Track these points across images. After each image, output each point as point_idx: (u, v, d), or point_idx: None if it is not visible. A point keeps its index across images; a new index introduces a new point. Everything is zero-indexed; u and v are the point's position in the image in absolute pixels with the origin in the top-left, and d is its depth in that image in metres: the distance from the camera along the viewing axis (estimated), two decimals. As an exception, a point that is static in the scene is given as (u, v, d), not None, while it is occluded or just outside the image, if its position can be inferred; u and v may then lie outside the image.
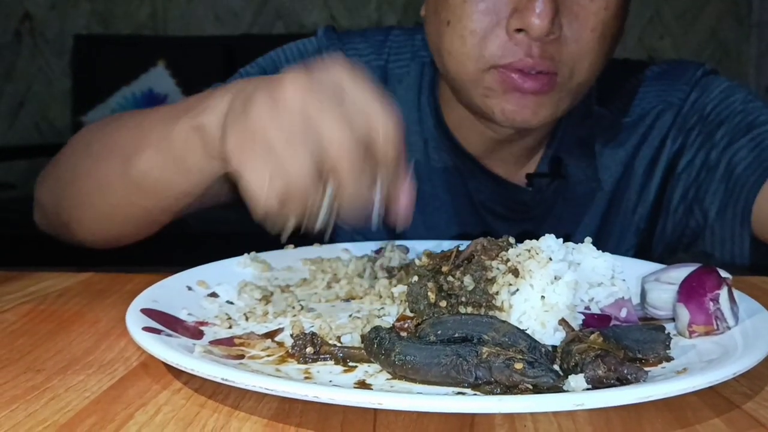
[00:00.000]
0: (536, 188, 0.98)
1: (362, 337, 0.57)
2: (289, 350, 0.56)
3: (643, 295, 0.66)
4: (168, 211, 0.80)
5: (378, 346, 0.52)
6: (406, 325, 0.57)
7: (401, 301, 0.67)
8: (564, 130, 0.97)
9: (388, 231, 0.94)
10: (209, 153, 0.66)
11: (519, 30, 0.79)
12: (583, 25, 0.82)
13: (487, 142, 0.94)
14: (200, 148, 0.67)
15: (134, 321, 0.56)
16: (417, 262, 0.70)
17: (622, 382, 0.48)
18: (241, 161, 0.56)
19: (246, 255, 0.80)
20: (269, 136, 0.55)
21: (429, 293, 0.61)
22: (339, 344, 0.57)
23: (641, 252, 1.00)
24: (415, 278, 0.64)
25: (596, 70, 0.86)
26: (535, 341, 0.53)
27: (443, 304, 0.60)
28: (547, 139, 0.97)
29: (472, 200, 0.99)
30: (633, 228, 1.00)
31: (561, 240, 0.61)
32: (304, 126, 0.55)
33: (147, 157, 0.73)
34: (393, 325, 0.57)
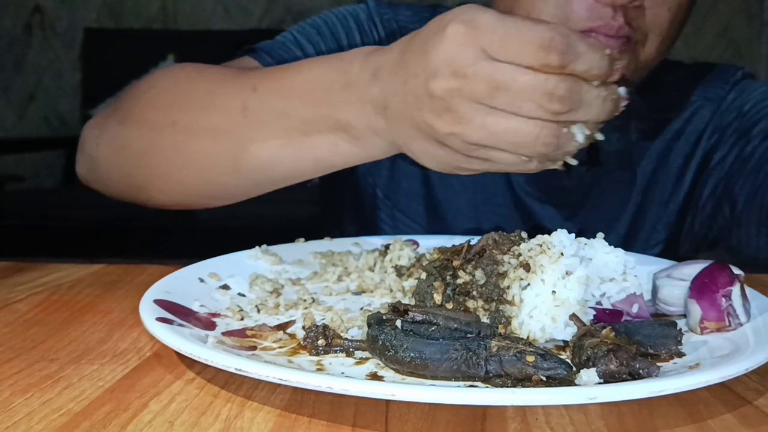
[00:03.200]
0: (573, 174, 0.98)
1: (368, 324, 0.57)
2: (301, 342, 0.56)
3: (654, 291, 0.66)
4: (271, 190, 0.78)
5: (383, 344, 0.52)
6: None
7: (412, 294, 0.67)
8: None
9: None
10: (367, 149, 0.67)
11: None
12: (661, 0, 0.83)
13: None
14: (353, 148, 0.68)
15: (148, 311, 0.57)
16: (427, 256, 0.71)
17: (634, 376, 0.48)
18: (468, 165, 0.61)
19: (257, 248, 0.81)
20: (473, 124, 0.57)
21: (435, 294, 0.61)
22: (350, 337, 0.58)
23: (670, 247, 1.00)
24: (424, 275, 0.64)
25: (661, 52, 0.87)
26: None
27: (449, 306, 0.60)
28: None
29: (510, 182, 1.00)
30: (664, 221, 1.01)
31: (573, 235, 0.61)
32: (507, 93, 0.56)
33: (272, 151, 0.71)
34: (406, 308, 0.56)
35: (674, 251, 1.00)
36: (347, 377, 0.50)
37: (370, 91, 0.64)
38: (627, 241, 0.98)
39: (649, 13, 0.83)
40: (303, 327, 0.60)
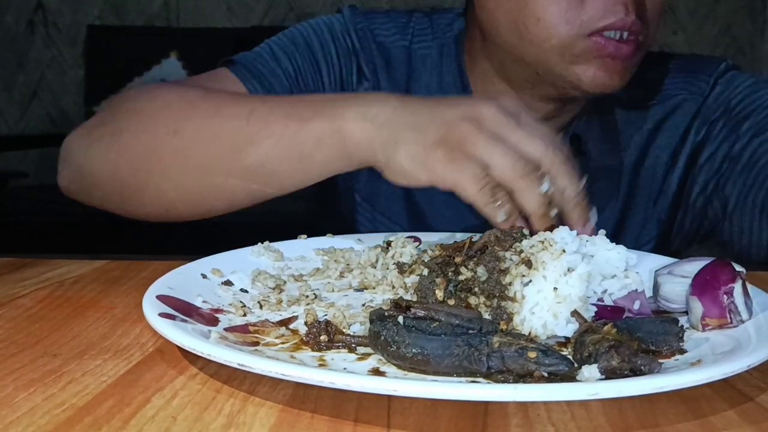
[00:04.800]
0: None
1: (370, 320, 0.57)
2: (304, 338, 0.56)
3: (656, 287, 0.66)
4: (271, 195, 0.82)
5: (385, 339, 0.52)
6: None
7: (414, 291, 0.67)
8: (584, 109, 0.98)
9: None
10: (345, 156, 0.74)
11: None
12: None
13: None
14: (336, 150, 0.74)
15: (151, 307, 0.57)
16: (429, 253, 0.71)
17: (635, 372, 0.48)
18: (450, 171, 0.68)
19: (260, 244, 0.81)
20: (482, 147, 0.67)
21: (437, 291, 0.61)
22: (353, 333, 0.58)
23: (661, 243, 1.00)
24: (426, 272, 0.64)
25: (653, 41, 0.89)
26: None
27: (451, 302, 0.60)
28: (569, 120, 0.99)
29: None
30: (654, 218, 1.01)
31: (575, 232, 0.61)
32: (508, 137, 0.67)
33: (265, 150, 0.77)
34: (408, 304, 0.56)
35: (666, 247, 1.00)
36: (349, 373, 0.50)
37: (372, 111, 0.73)
38: (615, 237, 0.98)
39: (652, 8, 0.85)
40: (305, 323, 0.60)
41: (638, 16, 0.83)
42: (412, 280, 0.71)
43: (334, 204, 1.10)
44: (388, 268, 0.76)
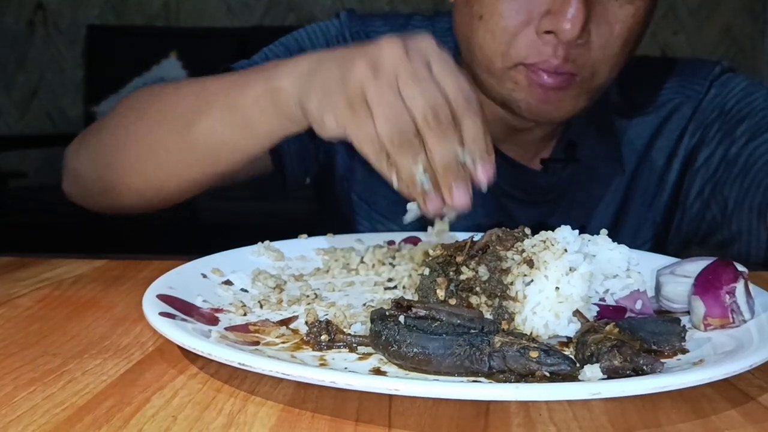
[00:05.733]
0: (551, 172, 0.98)
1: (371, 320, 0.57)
2: (304, 337, 0.56)
3: (657, 287, 0.66)
4: (222, 174, 0.82)
5: (386, 339, 0.52)
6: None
7: (415, 290, 0.67)
8: (579, 116, 0.98)
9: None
10: (282, 114, 0.71)
11: (549, 32, 0.80)
12: (610, 32, 0.83)
13: (506, 129, 0.96)
14: (272, 108, 0.71)
15: (150, 306, 0.57)
16: (430, 252, 0.71)
17: (637, 372, 0.48)
18: (346, 119, 0.62)
19: (260, 244, 0.81)
20: (373, 95, 0.61)
21: (438, 290, 0.61)
22: (353, 333, 0.57)
23: (657, 245, 1.00)
24: (426, 271, 0.64)
25: (616, 72, 0.87)
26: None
27: (452, 302, 0.60)
28: (563, 126, 0.98)
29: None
30: (650, 221, 1.01)
31: (577, 231, 0.61)
32: (401, 88, 0.61)
33: (212, 119, 0.76)
34: (410, 304, 0.56)
35: (662, 250, 1.00)
36: (350, 372, 0.50)
37: (301, 65, 0.70)
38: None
39: (597, 48, 0.83)
40: (306, 322, 0.60)
41: (571, 59, 0.82)
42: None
43: (332, 205, 1.10)
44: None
